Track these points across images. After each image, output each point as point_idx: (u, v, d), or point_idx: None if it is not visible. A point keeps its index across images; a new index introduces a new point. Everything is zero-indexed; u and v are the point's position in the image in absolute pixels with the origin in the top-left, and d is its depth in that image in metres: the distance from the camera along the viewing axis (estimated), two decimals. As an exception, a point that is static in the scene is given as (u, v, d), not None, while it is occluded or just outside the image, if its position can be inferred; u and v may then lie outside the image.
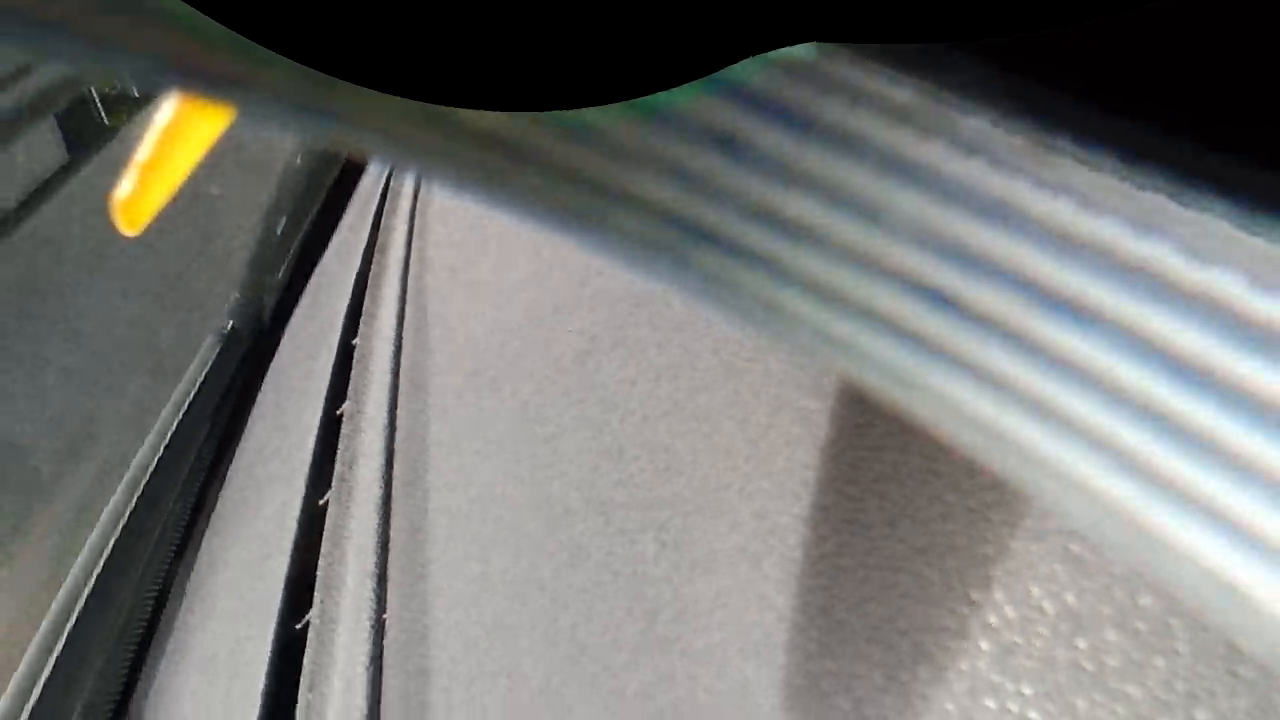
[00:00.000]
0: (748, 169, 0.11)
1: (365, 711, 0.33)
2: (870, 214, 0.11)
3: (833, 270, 0.12)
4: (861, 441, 0.24)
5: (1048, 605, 0.16)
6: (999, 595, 0.18)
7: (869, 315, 0.12)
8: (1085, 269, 0.10)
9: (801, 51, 0.11)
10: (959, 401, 0.12)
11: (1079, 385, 0.11)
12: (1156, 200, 0.10)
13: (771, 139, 0.11)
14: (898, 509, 0.21)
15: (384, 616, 0.37)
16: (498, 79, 0.11)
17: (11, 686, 0.47)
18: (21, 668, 0.48)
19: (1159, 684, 0.15)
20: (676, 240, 0.12)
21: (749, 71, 0.11)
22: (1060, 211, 0.10)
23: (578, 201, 0.12)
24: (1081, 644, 0.16)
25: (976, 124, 0.11)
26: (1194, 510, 0.10)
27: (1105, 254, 0.10)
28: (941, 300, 0.11)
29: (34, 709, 0.46)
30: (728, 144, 0.11)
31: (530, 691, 0.28)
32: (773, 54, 0.11)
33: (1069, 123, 0.10)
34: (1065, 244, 0.10)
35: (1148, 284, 0.10)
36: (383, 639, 0.36)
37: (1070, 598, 0.16)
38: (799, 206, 0.12)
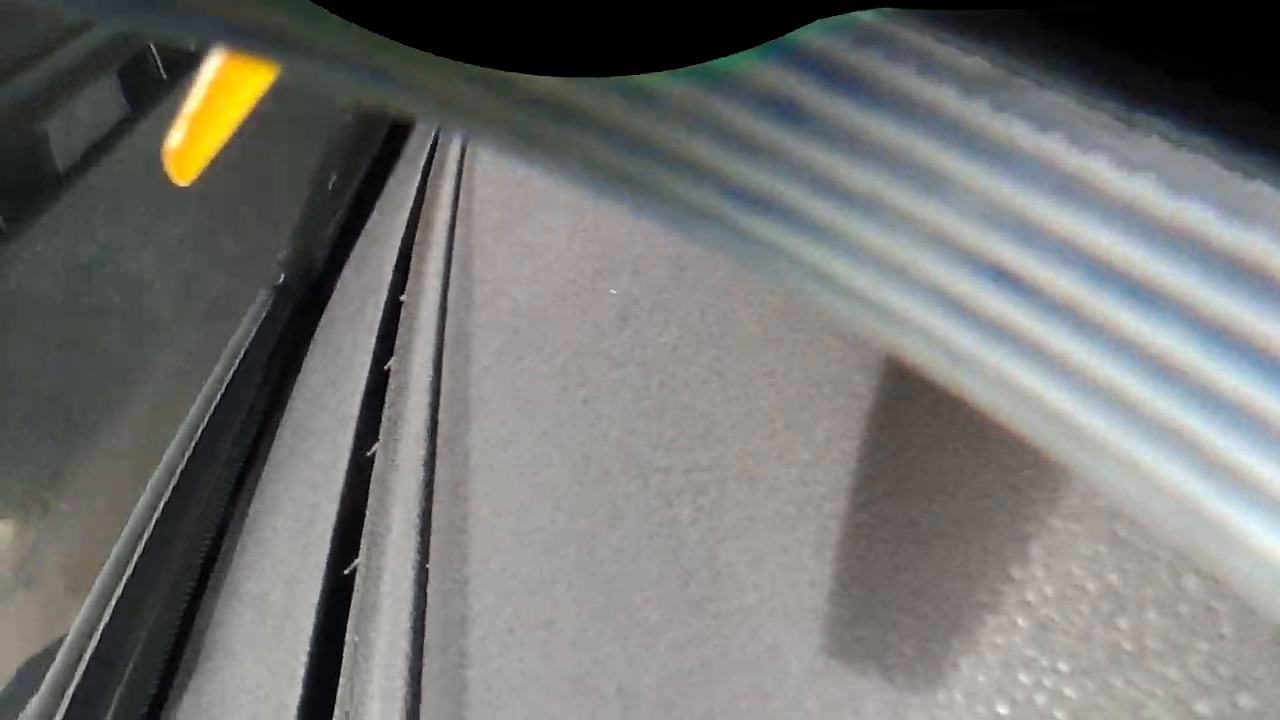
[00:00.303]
0: (808, 137, 0.11)
1: (408, 654, 0.34)
2: (934, 187, 0.11)
3: (889, 242, 0.12)
4: (905, 414, 0.24)
5: (1089, 584, 0.16)
6: (1038, 572, 0.18)
7: (924, 289, 0.12)
8: (1167, 255, 0.10)
9: (869, 16, 0.11)
10: (1012, 379, 0.12)
11: (1144, 370, 0.10)
12: (1253, 186, 0.10)
13: (834, 106, 0.11)
14: (938, 482, 0.21)
15: (426, 565, 0.38)
16: (556, 44, 0.11)
17: (77, 623, 0.50)
18: (87, 604, 0.51)
19: (1200, 667, 0.15)
20: (729, 207, 0.12)
21: (813, 36, 0.11)
22: (1144, 193, 0.10)
23: (630, 166, 0.12)
24: (1122, 624, 0.16)
25: (1054, 97, 0.10)
26: (1249, 494, 0.10)
27: (1190, 240, 0.10)
28: (1003, 278, 0.11)
29: (99, 641, 0.48)
30: (789, 111, 0.11)
31: (565, 643, 0.28)
32: (839, 18, 0.11)
33: (1156, 98, 0.10)
34: (1147, 227, 0.10)
35: (1240, 275, 0.09)
36: (425, 587, 0.37)
37: (1113, 577, 0.16)
38: (859, 176, 0.11)
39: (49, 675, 0.48)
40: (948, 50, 0.11)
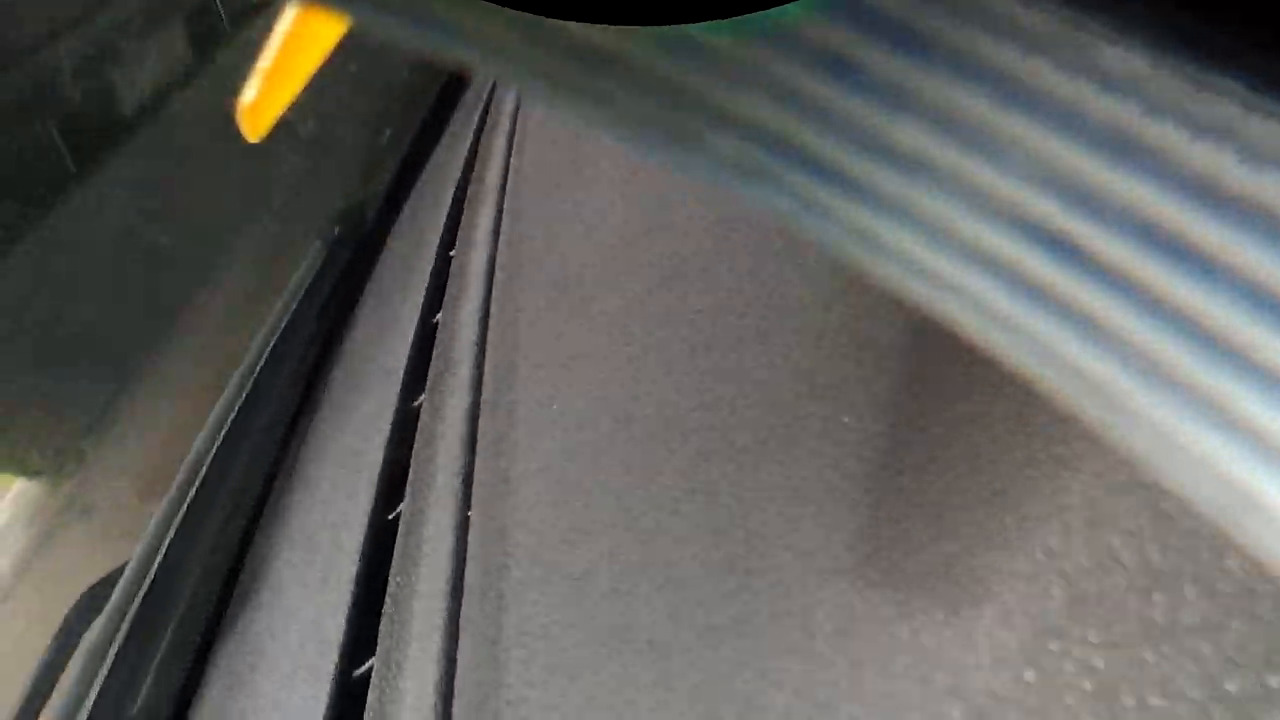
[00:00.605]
0: (858, 93, 0.11)
1: (448, 598, 0.35)
2: (987, 148, 0.11)
3: (939, 205, 0.11)
4: (949, 382, 0.24)
5: (1127, 558, 0.16)
6: (1077, 544, 0.17)
7: (973, 254, 0.11)
8: (1240, 228, 0.09)
9: None
10: (1060, 348, 0.11)
11: (1200, 345, 0.10)
12: None
13: (886, 61, 0.11)
14: (981, 451, 0.21)
15: (468, 514, 0.39)
16: None
17: (135, 555, 0.53)
18: (144, 539, 0.53)
19: (1234, 645, 0.14)
20: (776, 165, 0.12)
21: None
22: (1216, 162, 0.09)
23: (678, 122, 0.12)
24: (1158, 598, 0.15)
25: (1124, 58, 0.10)
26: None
27: (1267, 214, 0.09)
28: (1057, 244, 0.11)
29: (157, 572, 0.51)
30: (839, 65, 0.11)
31: (599, 594, 0.29)
32: None
33: (1233, 59, 0.09)
34: (1219, 199, 0.09)
35: None
36: (466, 535, 0.38)
37: (1153, 553, 0.16)
38: (910, 135, 0.11)
39: (108, 605, 0.51)
40: (1009, 3, 0.11)
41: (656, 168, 0.47)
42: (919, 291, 0.12)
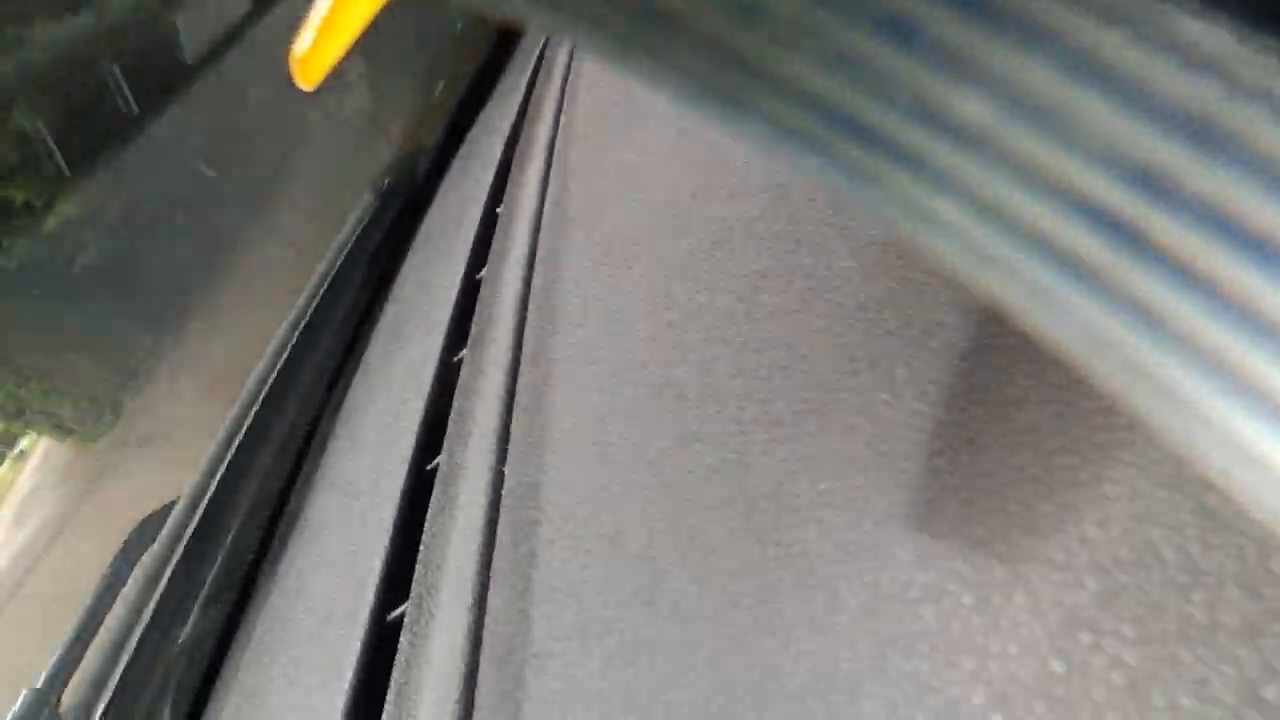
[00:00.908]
0: (920, 60, 0.10)
1: (480, 549, 0.36)
2: (1054, 124, 0.10)
3: (998, 180, 0.11)
4: (994, 363, 0.23)
5: (1168, 553, 0.16)
6: (1116, 535, 0.17)
7: (1030, 234, 0.11)
8: None
9: None
10: (1117, 339, 0.11)
11: (1273, 344, 0.10)
12: None
13: (951, 26, 0.10)
14: (1020, 435, 0.21)
15: (503, 469, 0.40)
16: None
17: (188, 490, 0.55)
18: (196, 477, 0.55)
19: (1275, 651, 0.14)
20: (832, 131, 0.12)
21: None
22: None
23: (733, 83, 0.12)
24: (1198, 597, 0.15)
25: (1208, 33, 0.09)
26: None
27: None
28: (1122, 230, 0.10)
29: (207, 507, 0.53)
30: (901, 30, 0.10)
31: (629, 555, 0.29)
32: None
33: None
34: None
35: None
36: (500, 489, 0.39)
37: (1195, 549, 0.15)
38: (972, 106, 0.11)
39: (161, 535, 0.53)
40: None
41: (708, 131, 0.46)
42: (969, 269, 0.12)
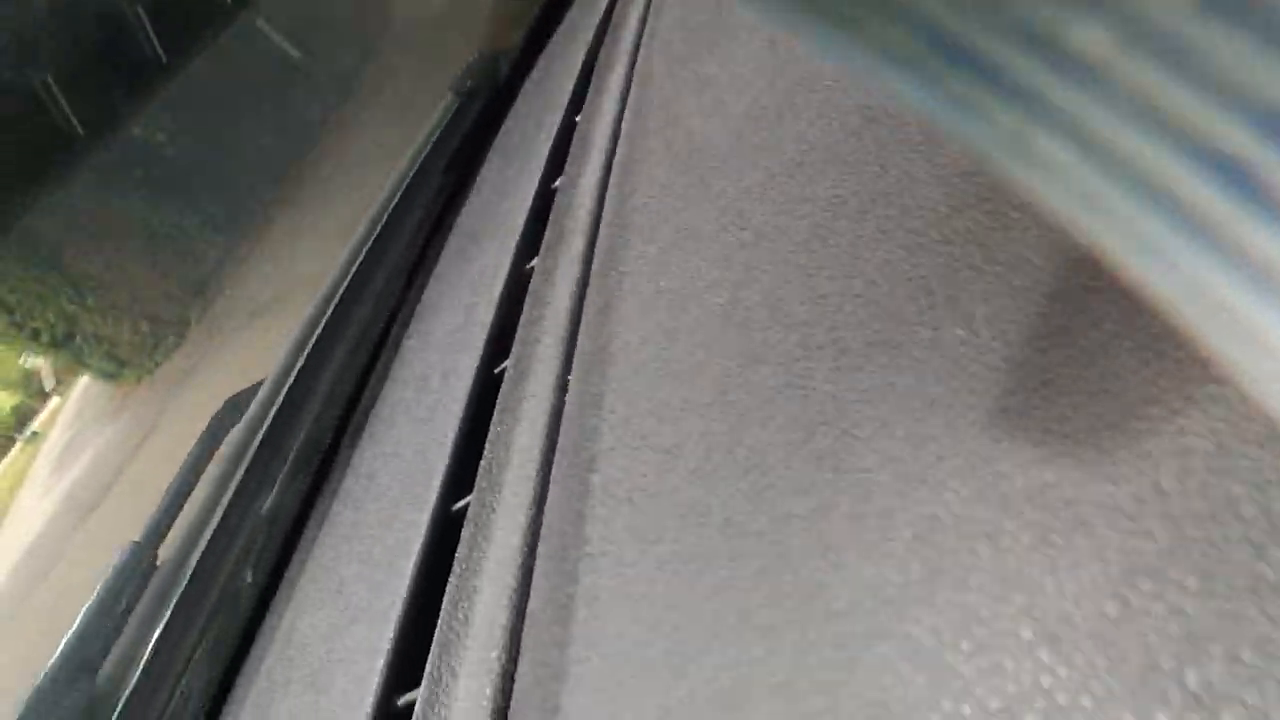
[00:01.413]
0: None
1: (543, 450, 0.37)
2: (1175, 59, 0.10)
3: (1110, 117, 0.10)
4: (1078, 306, 0.22)
5: (1247, 510, 0.15)
6: (1193, 488, 0.17)
7: (1141, 177, 0.11)
8: None
9: None
10: (1220, 293, 0.11)
11: None
12: None
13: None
14: (1102, 382, 0.20)
15: (568, 377, 0.40)
16: None
17: (271, 376, 0.57)
18: (278, 361, 0.58)
19: (1349, 615, 0.14)
20: (937, 56, 0.11)
21: None
22: None
23: (833, 4, 0.11)
24: (1274, 555, 0.15)
25: None
26: None
27: None
28: (1238, 176, 0.10)
29: (288, 391, 0.56)
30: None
31: (685, 469, 0.30)
32: None
33: None
34: None
35: None
36: (564, 395, 0.40)
37: (1278, 509, 0.15)
38: (1086, 37, 0.10)
39: (245, 416, 0.56)
40: None
41: (796, 47, 0.44)
42: (1069, 210, 0.11)
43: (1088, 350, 0.21)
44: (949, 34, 0.11)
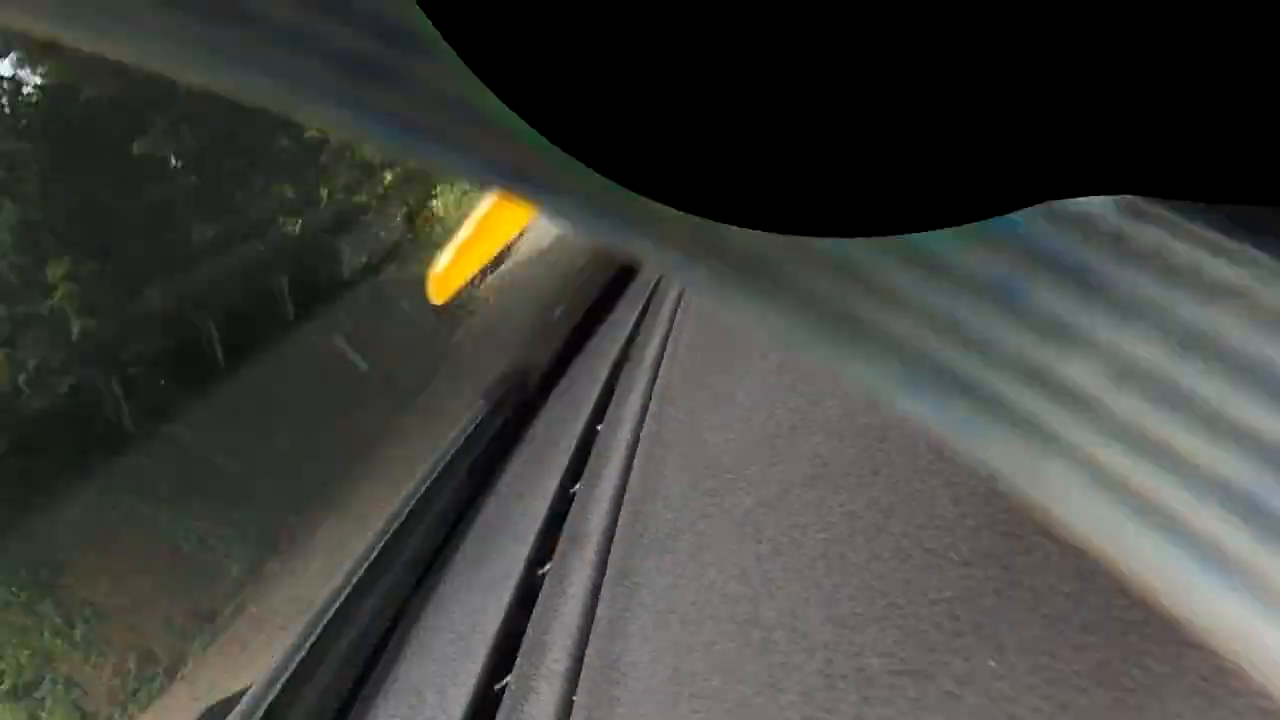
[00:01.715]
0: (1022, 322, 0.11)
1: None
2: (1165, 393, 0.10)
3: (1112, 449, 0.11)
4: (1123, 641, 0.21)
5: None
6: None
7: (1142, 503, 0.10)
8: None
9: (1097, 204, 0.10)
10: (1252, 624, 0.10)
11: None
12: None
13: (1053, 294, 0.10)
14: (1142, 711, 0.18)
15: (573, 697, 0.37)
16: (771, 202, 0.11)
17: (258, 683, 0.54)
18: (267, 670, 0.55)
19: None
20: (937, 381, 0.12)
21: (1034, 220, 0.11)
22: None
23: (833, 330, 0.12)
24: None
25: None
26: None
27: None
28: (1238, 502, 0.10)
29: (270, 706, 0.52)
30: (1000, 293, 0.11)
31: None
32: (1062, 203, 0.11)
33: None
34: None
35: None
36: (569, 718, 0.36)
37: None
38: (1081, 373, 0.11)
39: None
40: (1191, 247, 0.10)
41: (808, 365, 0.47)
42: (1079, 531, 0.11)
43: (1135, 691, 0.19)
44: (948, 363, 0.11)
